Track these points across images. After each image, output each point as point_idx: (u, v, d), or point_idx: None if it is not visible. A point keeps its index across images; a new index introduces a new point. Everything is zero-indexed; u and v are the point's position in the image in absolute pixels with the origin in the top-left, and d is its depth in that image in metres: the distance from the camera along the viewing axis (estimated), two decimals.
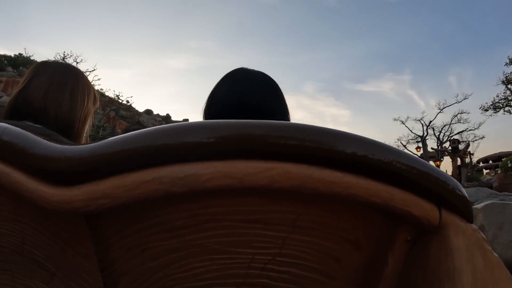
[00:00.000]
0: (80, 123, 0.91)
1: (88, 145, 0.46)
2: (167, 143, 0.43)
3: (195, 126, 0.43)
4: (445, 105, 27.47)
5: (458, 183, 0.49)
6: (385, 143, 0.47)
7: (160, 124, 0.54)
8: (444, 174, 0.48)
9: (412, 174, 0.45)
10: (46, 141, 0.49)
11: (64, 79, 0.90)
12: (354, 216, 0.48)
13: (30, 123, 0.79)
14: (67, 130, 0.87)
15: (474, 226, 0.50)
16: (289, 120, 0.78)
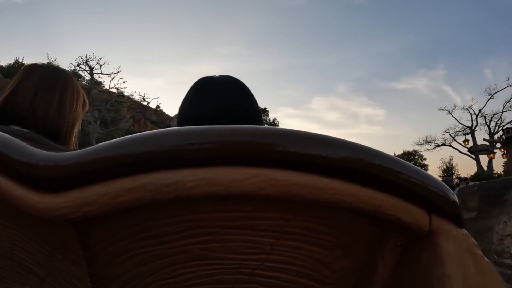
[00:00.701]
0: (69, 127, 0.90)
1: (74, 151, 0.46)
2: (152, 149, 0.42)
3: (180, 132, 0.43)
4: (496, 90, 24.45)
5: (449, 188, 0.48)
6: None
7: None
8: (434, 179, 0.47)
9: (401, 180, 0.45)
10: (31, 147, 0.48)
11: (53, 82, 0.90)
12: (343, 221, 0.47)
13: (17, 128, 0.78)
14: (55, 134, 0.87)
15: (465, 231, 0.50)
16: (261, 121, 0.76)
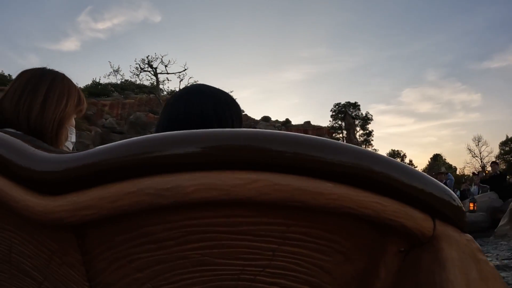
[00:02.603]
0: (54, 126, 0.88)
1: (73, 153, 0.45)
2: (152, 153, 0.42)
3: (180, 136, 0.42)
4: None
5: (453, 193, 0.48)
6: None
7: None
8: (438, 184, 0.47)
9: (404, 185, 0.44)
10: (33, 148, 0.48)
11: (39, 83, 0.89)
12: (345, 227, 0.47)
13: (11, 130, 0.78)
14: (40, 134, 0.85)
15: (468, 236, 0.49)
16: (238, 126, 0.77)
